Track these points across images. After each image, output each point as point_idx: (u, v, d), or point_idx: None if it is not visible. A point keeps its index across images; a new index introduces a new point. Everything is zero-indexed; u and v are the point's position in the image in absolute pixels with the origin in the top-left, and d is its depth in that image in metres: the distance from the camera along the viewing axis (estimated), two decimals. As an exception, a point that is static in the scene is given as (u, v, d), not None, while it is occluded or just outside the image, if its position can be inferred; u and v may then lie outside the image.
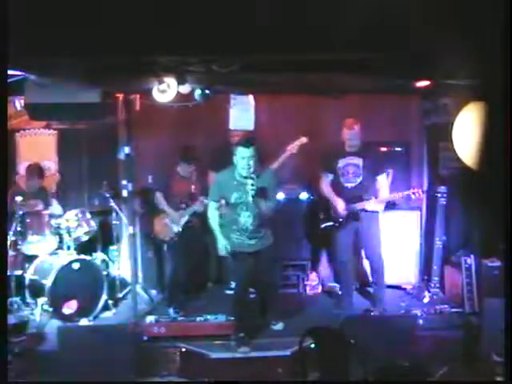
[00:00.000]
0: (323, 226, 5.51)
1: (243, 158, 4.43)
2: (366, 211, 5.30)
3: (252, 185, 4.38)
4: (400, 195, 5.32)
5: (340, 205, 5.27)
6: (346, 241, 5.45)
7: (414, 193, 5.21)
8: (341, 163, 5.34)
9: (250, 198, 4.43)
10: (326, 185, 5.45)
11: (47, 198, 5.87)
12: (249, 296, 5.05)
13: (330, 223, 5.44)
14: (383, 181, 5.35)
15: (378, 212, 5.41)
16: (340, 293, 5.77)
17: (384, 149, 6.19)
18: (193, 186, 5.54)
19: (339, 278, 5.86)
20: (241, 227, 4.65)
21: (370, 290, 5.81)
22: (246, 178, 4.45)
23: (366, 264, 5.81)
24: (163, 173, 5.78)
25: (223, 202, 4.80)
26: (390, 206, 5.87)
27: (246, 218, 4.63)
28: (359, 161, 5.30)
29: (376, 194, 5.32)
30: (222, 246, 4.70)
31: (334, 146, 5.52)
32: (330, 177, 5.42)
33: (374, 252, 5.45)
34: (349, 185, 5.35)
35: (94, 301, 5.39)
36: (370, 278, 5.68)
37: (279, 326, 5.16)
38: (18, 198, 5.37)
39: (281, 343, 4.72)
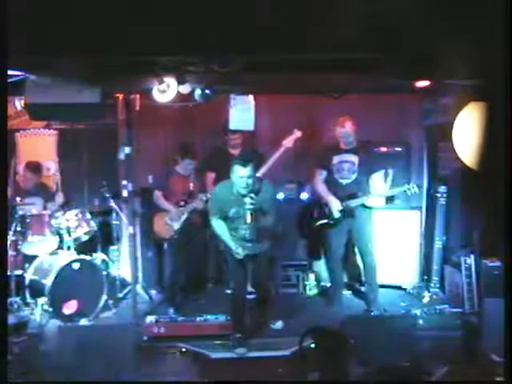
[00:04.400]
0: (318, 223, 5.53)
1: (241, 177, 4.35)
2: (361, 208, 5.34)
3: (251, 204, 4.38)
4: (396, 191, 5.40)
5: (334, 202, 5.31)
6: (340, 239, 5.48)
7: (409, 188, 5.24)
8: (335, 160, 5.38)
9: (249, 216, 4.43)
10: (319, 182, 5.48)
11: (47, 196, 5.87)
12: (246, 297, 5.03)
13: (325, 221, 5.46)
14: (380, 178, 5.43)
15: (371, 209, 5.46)
16: (331, 292, 5.79)
17: (382, 148, 6.24)
18: (191, 184, 5.57)
19: (331, 277, 5.86)
20: (238, 237, 4.66)
21: (363, 289, 5.83)
22: (244, 196, 4.42)
23: (359, 263, 5.81)
24: (162, 172, 5.79)
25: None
26: (390, 203, 5.97)
27: (244, 231, 4.63)
28: (355, 158, 5.34)
29: (371, 191, 5.38)
30: (236, 249, 4.62)
31: (329, 143, 5.60)
32: (324, 174, 5.46)
33: (366, 250, 5.46)
34: (343, 181, 5.39)
35: (94, 301, 5.39)
36: (363, 278, 5.70)
37: (279, 326, 5.16)
38: (18, 198, 5.37)
39: (280, 343, 4.72)
